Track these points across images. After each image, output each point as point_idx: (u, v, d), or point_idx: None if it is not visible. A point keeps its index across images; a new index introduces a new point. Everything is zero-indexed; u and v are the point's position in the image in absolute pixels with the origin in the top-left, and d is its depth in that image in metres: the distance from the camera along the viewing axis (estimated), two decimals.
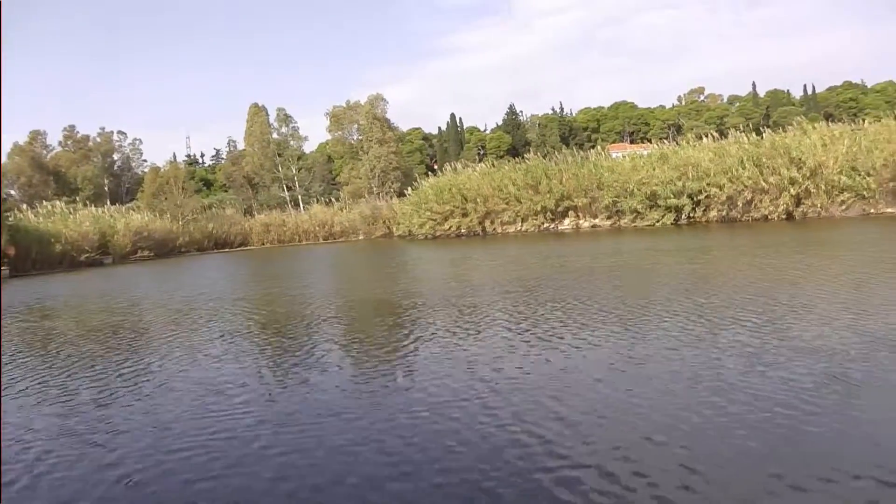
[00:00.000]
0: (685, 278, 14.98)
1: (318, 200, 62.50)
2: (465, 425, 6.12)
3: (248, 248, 51.37)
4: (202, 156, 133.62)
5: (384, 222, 50.07)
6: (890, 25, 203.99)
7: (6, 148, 74.94)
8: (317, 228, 52.90)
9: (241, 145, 76.25)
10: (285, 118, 70.26)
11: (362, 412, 6.77)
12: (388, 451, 5.67)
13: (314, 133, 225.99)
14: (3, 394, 8.30)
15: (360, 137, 66.17)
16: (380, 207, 51.82)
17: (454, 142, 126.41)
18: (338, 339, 10.85)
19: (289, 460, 5.66)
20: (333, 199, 61.81)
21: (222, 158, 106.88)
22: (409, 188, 48.87)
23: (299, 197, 68.36)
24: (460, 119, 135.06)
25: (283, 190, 69.26)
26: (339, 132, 67.51)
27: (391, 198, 55.82)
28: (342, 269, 27.63)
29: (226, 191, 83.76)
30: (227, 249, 50.06)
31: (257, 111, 69.34)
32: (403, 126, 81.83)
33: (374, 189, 61.96)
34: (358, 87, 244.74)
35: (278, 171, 68.79)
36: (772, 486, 4.51)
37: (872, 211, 33.53)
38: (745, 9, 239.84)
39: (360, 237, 50.95)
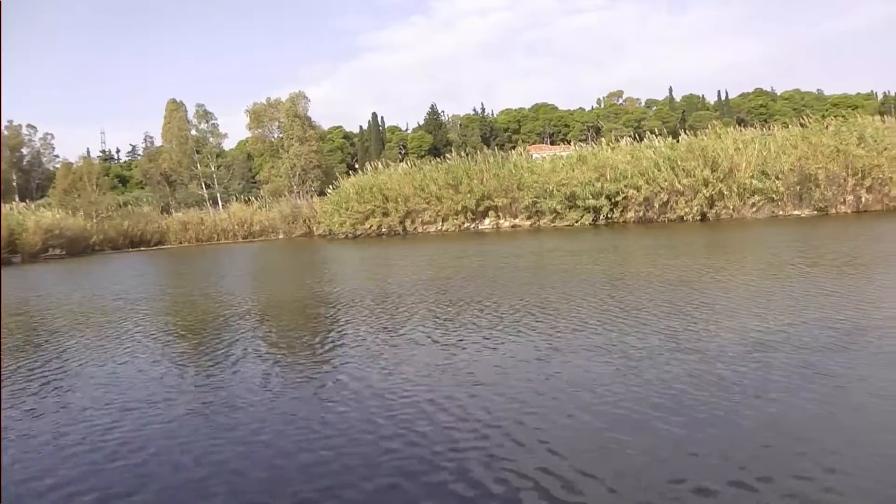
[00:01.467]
0: (584, 278, 15.44)
1: (237, 199, 61.53)
2: (383, 424, 6.28)
3: (166, 246, 50.28)
4: (118, 152, 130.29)
5: (304, 221, 49.63)
6: (798, 36, 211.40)
7: None
8: (236, 227, 52.10)
9: (158, 141, 74.49)
10: (204, 114, 68.91)
11: (277, 411, 6.89)
12: (301, 449, 5.81)
13: (234, 130, 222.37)
14: None
15: (280, 135, 65.33)
16: (300, 206, 51.36)
17: (375, 141, 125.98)
18: (254, 340, 10.83)
19: (206, 464, 5.73)
20: (253, 198, 60.94)
21: (138, 155, 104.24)
22: (330, 187, 48.57)
23: (218, 195, 67.18)
24: (382, 118, 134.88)
25: (202, 188, 67.93)
26: (260, 130, 66.47)
27: (312, 197, 55.35)
28: (261, 269, 27.39)
29: (142, 188, 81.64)
30: (143, 248, 48.90)
31: (175, 107, 67.82)
32: (325, 124, 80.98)
33: (295, 188, 61.26)
34: (278, 85, 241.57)
35: (197, 168, 67.40)
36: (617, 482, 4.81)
37: (781, 213, 34.80)
38: (665, 16, 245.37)
39: (280, 236, 50.42)
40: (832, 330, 8.49)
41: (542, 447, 5.43)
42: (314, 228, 47.64)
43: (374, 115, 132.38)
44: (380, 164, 47.67)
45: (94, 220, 48.81)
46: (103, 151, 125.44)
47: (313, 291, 16.58)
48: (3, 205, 44.16)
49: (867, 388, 6.32)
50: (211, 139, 69.75)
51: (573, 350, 8.41)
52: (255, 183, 74.41)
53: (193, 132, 68.64)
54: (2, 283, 19.81)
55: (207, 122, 69.16)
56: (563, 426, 5.86)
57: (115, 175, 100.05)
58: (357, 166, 69.07)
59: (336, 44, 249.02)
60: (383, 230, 41.61)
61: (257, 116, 65.18)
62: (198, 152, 67.63)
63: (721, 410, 5.92)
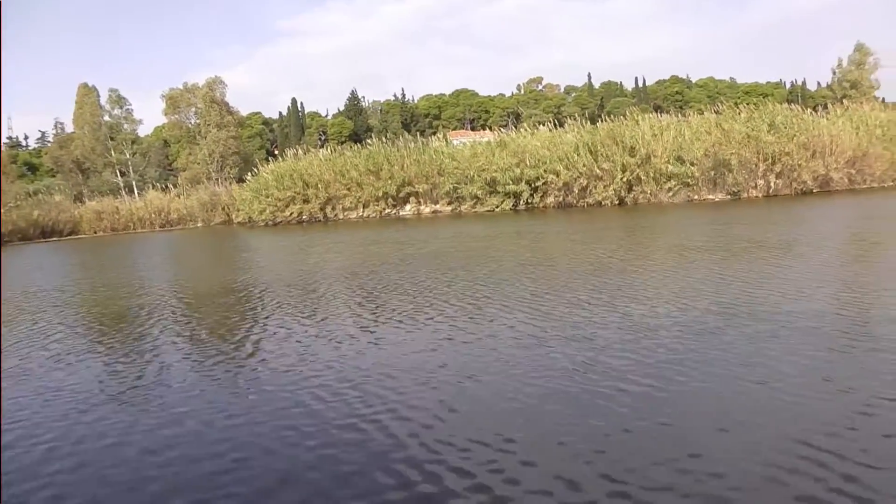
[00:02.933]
0: (491, 264, 15.43)
1: (154, 186, 60.00)
2: (303, 418, 6.25)
3: (79, 236, 48.74)
4: (26, 138, 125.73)
5: (223, 209, 48.77)
6: (713, 25, 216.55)
7: None
8: (153, 216, 50.77)
9: (69, 128, 72.26)
10: (118, 100, 67.06)
11: (190, 405, 6.72)
12: (220, 442, 5.74)
13: (149, 116, 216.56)
14: None
15: (198, 121, 64.05)
16: (219, 194, 50.43)
17: (295, 127, 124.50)
18: (168, 333, 10.51)
19: (119, 463, 5.59)
20: (170, 185, 59.53)
21: (48, 141, 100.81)
22: (249, 174, 47.78)
23: (134, 183, 65.63)
24: (301, 104, 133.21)
25: (117, 175, 66.21)
26: (176, 116, 65.08)
27: (230, 184, 54.46)
28: (178, 258, 26.80)
29: (53, 176, 79.01)
30: (55, 238, 47.28)
31: (87, 92, 65.80)
32: (243, 110, 79.45)
33: (213, 175, 60.24)
34: (192, 68, 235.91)
35: (111, 155, 65.64)
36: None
37: (696, 197, 35.65)
38: (584, 3, 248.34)
39: (199, 224, 49.40)
40: (719, 314, 8.70)
41: (431, 438, 5.42)
42: (233, 216, 46.83)
43: (294, 101, 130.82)
44: (300, 150, 47.06)
45: (2, 210, 47.01)
46: (10, 138, 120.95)
47: (230, 281, 16.24)
48: None
49: (751, 374, 6.44)
50: (125, 125, 68.06)
51: (470, 338, 8.43)
52: (172, 170, 72.83)
53: (107, 118, 66.80)
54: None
55: (121, 107, 67.40)
56: (444, 418, 5.84)
57: (24, 162, 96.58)
58: (277, 153, 68.06)
59: (251, 27, 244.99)
60: (304, 217, 41.15)
61: (173, 102, 63.81)
62: (111, 139, 65.93)
63: (601, 398, 5.97)
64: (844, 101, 50.92)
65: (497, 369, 7.03)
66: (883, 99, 62.91)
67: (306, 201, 41.11)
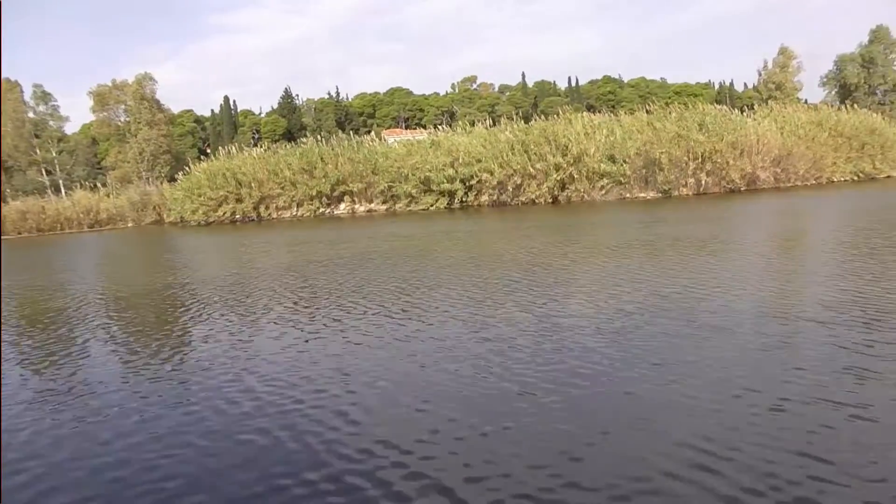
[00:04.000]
0: (418, 263, 15.46)
1: (82, 186, 58.47)
2: (239, 420, 6.15)
3: (3, 237, 47.27)
4: None
5: (154, 208, 47.89)
6: (644, 25, 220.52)
7: None
8: (81, 216, 49.48)
9: None
10: (43, 96, 65.31)
11: (128, 408, 6.58)
12: (157, 449, 5.59)
13: (77, 113, 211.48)
14: None
15: (127, 119, 62.71)
16: (150, 193, 49.48)
17: (228, 125, 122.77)
18: (97, 337, 10.22)
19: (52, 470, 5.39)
20: (99, 185, 58.06)
21: None
22: (181, 173, 46.96)
23: (61, 182, 63.92)
24: (234, 102, 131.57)
25: (43, 174, 64.44)
26: (105, 113, 63.61)
27: (162, 183, 53.45)
28: (107, 259, 26.17)
29: None
30: None
31: (10, 87, 63.84)
32: (174, 108, 77.99)
33: (144, 174, 59.12)
34: (117, 62, 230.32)
35: (36, 153, 63.86)
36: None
37: (628, 195, 36.22)
38: (516, 3, 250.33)
39: (129, 224, 48.38)
40: (634, 313, 8.83)
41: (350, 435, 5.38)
42: (165, 216, 46.03)
43: (227, 99, 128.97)
44: (233, 148, 46.41)
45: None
46: None
47: (156, 282, 15.95)
48: None
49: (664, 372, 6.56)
50: (51, 122, 66.22)
51: (381, 341, 8.39)
52: (100, 169, 71.17)
53: (31, 115, 64.90)
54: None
55: (46, 104, 65.62)
56: (351, 420, 5.81)
57: None
58: (209, 151, 67.13)
59: (181, 22, 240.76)
60: (237, 217, 40.63)
61: (102, 99, 62.37)
62: (36, 136, 64.10)
63: (503, 399, 6.00)
64: (770, 102, 52.32)
65: (404, 370, 7.04)
66: (806, 100, 64.85)
67: (239, 201, 40.58)
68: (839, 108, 48.81)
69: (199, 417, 6.14)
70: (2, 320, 11.41)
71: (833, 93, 68.30)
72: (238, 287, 13.89)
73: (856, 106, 50.35)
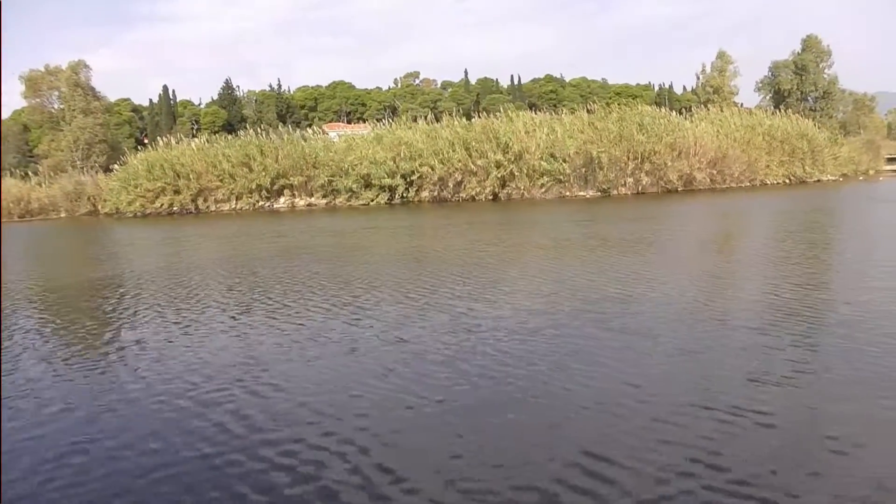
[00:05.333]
0: (355, 259, 15.45)
1: (11, 174, 56.75)
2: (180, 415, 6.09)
3: None
4: None
5: (89, 199, 46.66)
6: (587, 26, 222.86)
7: None
8: (11, 205, 48.03)
9: None
10: None
11: (68, 403, 6.46)
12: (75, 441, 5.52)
13: (7, 99, 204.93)
14: None
15: (61, 106, 61.04)
16: (84, 183, 48.20)
17: (166, 115, 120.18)
18: (28, 332, 9.94)
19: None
20: (30, 173, 56.42)
21: None
22: (118, 163, 45.92)
23: None
24: (173, 91, 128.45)
25: None
26: (38, 99, 61.77)
27: (97, 173, 52.12)
28: (36, 251, 25.46)
29: None
30: None
31: None
32: (111, 96, 76.00)
33: (78, 163, 57.61)
34: (57, 51, 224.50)
35: None
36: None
37: (568, 194, 36.60)
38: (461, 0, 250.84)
39: (63, 215, 47.12)
40: (554, 313, 9.02)
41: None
42: (100, 207, 44.92)
43: (165, 88, 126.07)
44: (171, 139, 45.58)
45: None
46: None
47: (85, 276, 15.64)
48: None
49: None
50: None
51: (291, 339, 8.36)
52: (32, 157, 69.12)
53: None
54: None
55: None
56: (250, 421, 5.77)
57: None
58: (147, 142, 65.64)
59: (118, 8, 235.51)
60: (175, 209, 39.89)
61: (34, 84, 60.52)
62: None
63: (405, 401, 5.99)
64: (707, 105, 53.31)
65: (313, 372, 6.99)
66: (742, 105, 66.23)
67: (177, 192, 39.86)
68: (773, 113, 50.08)
69: (121, 415, 6.08)
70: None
71: (767, 98, 69.71)
72: (164, 282, 13.68)
73: (789, 111, 51.69)
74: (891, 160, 64.58)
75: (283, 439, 5.22)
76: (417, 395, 6.04)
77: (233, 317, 9.82)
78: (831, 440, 4.80)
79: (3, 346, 8.66)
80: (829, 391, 5.83)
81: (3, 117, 77.39)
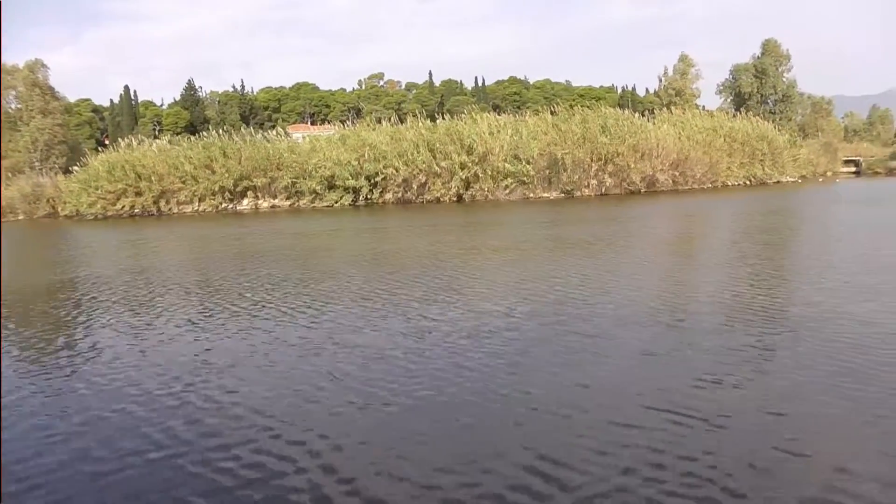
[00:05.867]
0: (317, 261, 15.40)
1: None
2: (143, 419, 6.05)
3: None
4: None
5: (48, 201, 45.85)
6: (551, 29, 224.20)
7: None
8: None
9: None
10: None
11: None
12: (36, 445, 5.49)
13: None
14: None
15: (18, 106, 59.99)
16: (43, 185, 47.36)
17: (128, 116, 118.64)
18: None
19: None
20: None
21: None
22: (78, 164, 45.21)
23: None
24: (135, 92, 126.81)
25: None
26: None
27: (56, 174, 51.28)
28: None
29: None
30: None
31: None
32: (71, 96, 74.90)
33: (37, 164, 56.65)
34: (13, 50, 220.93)
35: None
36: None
37: (531, 195, 36.75)
38: (426, 1, 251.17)
39: (20, 217, 46.29)
40: (502, 316, 9.16)
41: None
42: (59, 209, 44.19)
43: (127, 89, 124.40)
44: (133, 140, 44.99)
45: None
46: None
47: (46, 279, 15.41)
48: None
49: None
50: None
51: (239, 344, 8.37)
52: None
53: None
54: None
55: None
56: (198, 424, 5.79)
57: None
58: (108, 143, 64.71)
59: (79, 7, 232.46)
60: (136, 211, 39.34)
61: None
62: None
63: (350, 406, 6.00)
64: (670, 107, 53.85)
65: (265, 376, 6.96)
66: (703, 107, 66.99)
67: (139, 194, 39.27)
68: (734, 116, 50.73)
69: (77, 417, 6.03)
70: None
71: (728, 101, 70.58)
72: (120, 286, 13.49)
73: (749, 114, 52.41)
74: (847, 162, 65.83)
75: (233, 444, 5.22)
76: (368, 399, 6.05)
77: (188, 321, 9.77)
78: (783, 440, 4.85)
79: None
80: (782, 392, 5.88)
81: None
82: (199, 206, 39.07)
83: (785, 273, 12.32)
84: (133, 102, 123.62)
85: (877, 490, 4.14)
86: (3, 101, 59.30)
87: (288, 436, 5.33)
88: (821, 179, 52.27)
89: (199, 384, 6.74)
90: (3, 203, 46.65)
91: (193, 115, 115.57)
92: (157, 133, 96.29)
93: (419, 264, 14.01)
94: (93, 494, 4.58)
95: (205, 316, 9.98)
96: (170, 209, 39.35)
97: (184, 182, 38.97)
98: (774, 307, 9.06)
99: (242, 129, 47.46)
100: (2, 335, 9.35)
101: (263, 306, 10.33)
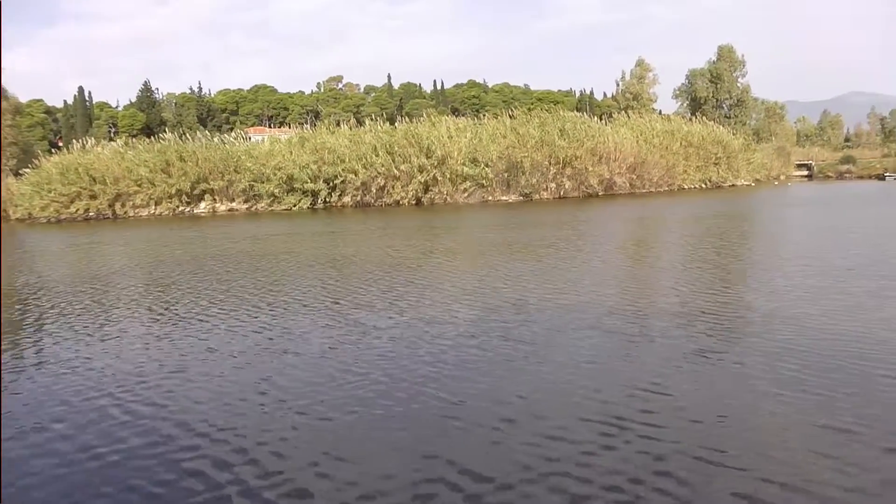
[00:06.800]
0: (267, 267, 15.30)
1: None
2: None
3: None
4: None
5: None
6: (511, 33, 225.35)
7: None
8: None
9: None
10: None
11: None
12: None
13: None
14: None
15: None
16: None
17: (82, 117, 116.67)
18: None
19: None
20: None
21: None
22: (29, 166, 44.35)
23: None
24: (90, 93, 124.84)
25: None
26: None
27: (7, 177, 50.32)
28: None
29: None
30: None
31: None
32: (22, 96, 73.38)
33: None
34: None
35: None
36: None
37: (490, 198, 36.89)
38: (384, 5, 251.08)
39: None
40: (448, 322, 9.15)
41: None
42: (10, 212, 43.33)
43: (81, 90, 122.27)
44: (89, 142, 44.25)
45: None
46: None
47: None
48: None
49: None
50: None
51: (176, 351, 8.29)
52: None
53: None
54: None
55: None
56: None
57: None
58: (61, 144, 63.64)
59: (31, 6, 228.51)
60: (91, 214, 38.68)
61: None
62: None
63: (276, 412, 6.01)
64: (627, 111, 54.43)
65: (197, 386, 6.85)
66: (660, 111, 67.84)
67: (94, 197, 38.58)
68: (690, 120, 51.42)
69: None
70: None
71: (685, 105, 71.45)
72: (69, 291, 13.28)
73: (704, 118, 53.13)
74: (800, 166, 67.15)
75: (160, 454, 5.17)
76: (295, 408, 6.01)
77: (134, 327, 9.66)
78: (714, 451, 4.83)
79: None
80: (717, 400, 5.89)
81: None
82: (155, 209, 38.52)
83: (732, 277, 12.45)
84: (87, 104, 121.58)
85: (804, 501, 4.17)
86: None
87: (215, 443, 5.33)
88: (776, 183, 53.20)
89: (139, 390, 6.69)
90: None
91: (150, 116, 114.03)
92: (112, 135, 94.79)
93: (370, 269, 13.95)
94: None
95: (149, 323, 9.86)
96: (125, 212, 38.72)
97: (140, 185, 38.37)
98: (718, 312, 9.12)
99: (200, 131, 46.96)
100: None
101: (211, 312, 10.23)
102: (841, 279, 11.12)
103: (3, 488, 4.61)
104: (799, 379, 6.23)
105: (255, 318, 9.73)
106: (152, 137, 46.77)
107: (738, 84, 70.36)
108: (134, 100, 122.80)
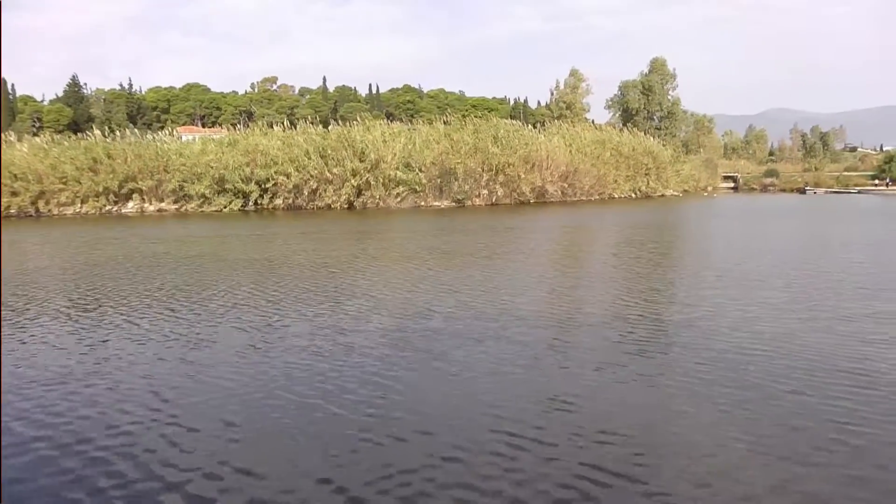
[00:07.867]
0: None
1: None
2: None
3: None
4: None
5: None
6: (447, 39, 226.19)
7: None
8: None
9: None
10: None
11: None
12: None
13: None
14: None
15: None
16: None
17: (4, 111, 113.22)
18: None
19: None
20: None
21: None
22: None
23: None
24: (13, 86, 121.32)
25: None
26: None
27: None
28: None
29: None
30: None
31: None
32: None
33: None
34: None
35: None
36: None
37: (423, 204, 36.97)
38: (323, 7, 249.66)
39: None
40: (367, 332, 9.15)
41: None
42: None
43: (3, 82, 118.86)
44: (11, 137, 42.92)
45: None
46: None
47: None
48: None
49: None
50: None
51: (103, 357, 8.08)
52: None
53: None
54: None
55: None
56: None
57: None
58: None
59: None
60: (12, 211, 37.48)
61: None
62: None
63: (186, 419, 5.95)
64: (560, 120, 55.11)
65: (115, 392, 6.73)
66: (593, 121, 68.76)
67: (14, 194, 37.41)
68: (621, 131, 52.32)
69: None
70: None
71: (617, 115, 72.49)
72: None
73: (636, 129, 54.13)
74: (726, 178, 68.98)
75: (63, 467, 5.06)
76: (192, 418, 5.92)
77: (49, 332, 9.40)
78: (616, 463, 4.85)
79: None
80: (630, 411, 5.92)
81: None
82: (81, 207, 37.49)
83: (656, 286, 12.56)
84: (10, 97, 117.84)
85: None
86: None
87: (104, 451, 5.26)
88: (705, 194, 54.46)
89: (51, 395, 6.61)
90: None
91: (77, 112, 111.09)
92: (36, 130, 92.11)
93: (289, 274, 13.82)
94: None
95: (61, 328, 9.60)
96: (49, 210, 37.60)
97: (65, 183, 37.30)
98: (638, 322, 9.22)
99: (126, 130, 45.84)
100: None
101: (125, 318, 10.01)
102: (754, 290, 11.39)
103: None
104: (709, 392, 6.30)
105: (157, 325, 9.53)
106: (79, 134, 45.64)
107: (669, 96, 71.69)
108: (60, 94, 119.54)
